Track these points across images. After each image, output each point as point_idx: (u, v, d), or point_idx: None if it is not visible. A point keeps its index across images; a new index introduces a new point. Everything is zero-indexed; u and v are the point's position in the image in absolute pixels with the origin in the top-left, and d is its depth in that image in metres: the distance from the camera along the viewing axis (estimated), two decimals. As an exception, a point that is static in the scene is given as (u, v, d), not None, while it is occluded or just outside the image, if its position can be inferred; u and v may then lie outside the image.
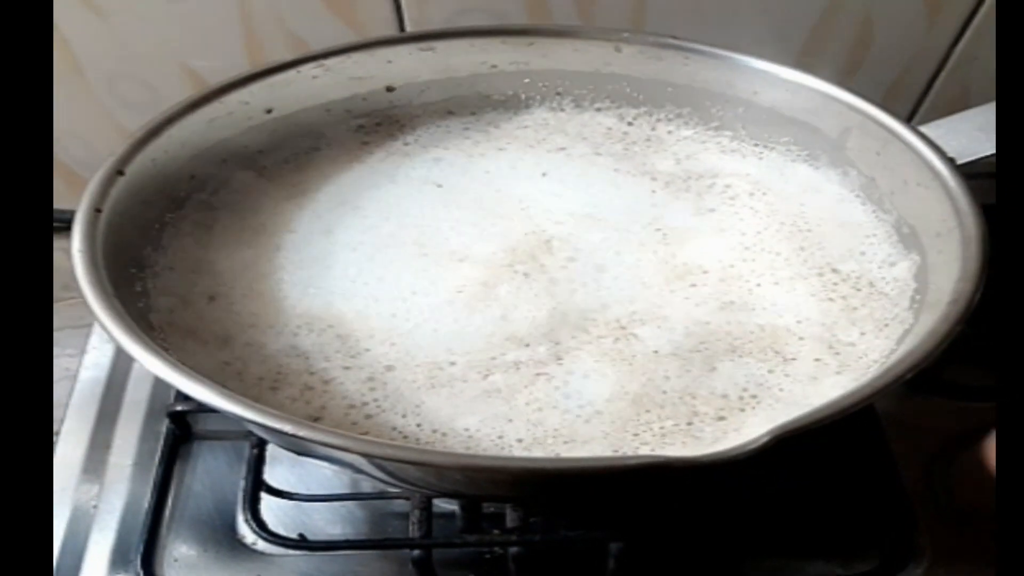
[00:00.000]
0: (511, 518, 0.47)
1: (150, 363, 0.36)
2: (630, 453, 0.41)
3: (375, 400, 0.43)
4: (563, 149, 0.58)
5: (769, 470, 0.49)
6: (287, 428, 0.34)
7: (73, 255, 0.40)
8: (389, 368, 0.45)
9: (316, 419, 0.42)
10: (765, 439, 0.33)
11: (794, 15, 0.65)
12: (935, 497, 0.51)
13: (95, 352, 0.60)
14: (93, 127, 0.69)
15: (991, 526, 0.49)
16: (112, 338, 0.37)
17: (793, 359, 0.45)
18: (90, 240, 0.42)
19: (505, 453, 0.41)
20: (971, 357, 0.56)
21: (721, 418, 0.42)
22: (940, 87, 0.70)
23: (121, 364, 0.59)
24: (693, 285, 0.49)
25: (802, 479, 0.50)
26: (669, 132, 0.59)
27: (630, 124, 0.59)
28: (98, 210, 0.43)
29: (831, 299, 0.48)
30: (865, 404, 0.35)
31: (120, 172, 0.46)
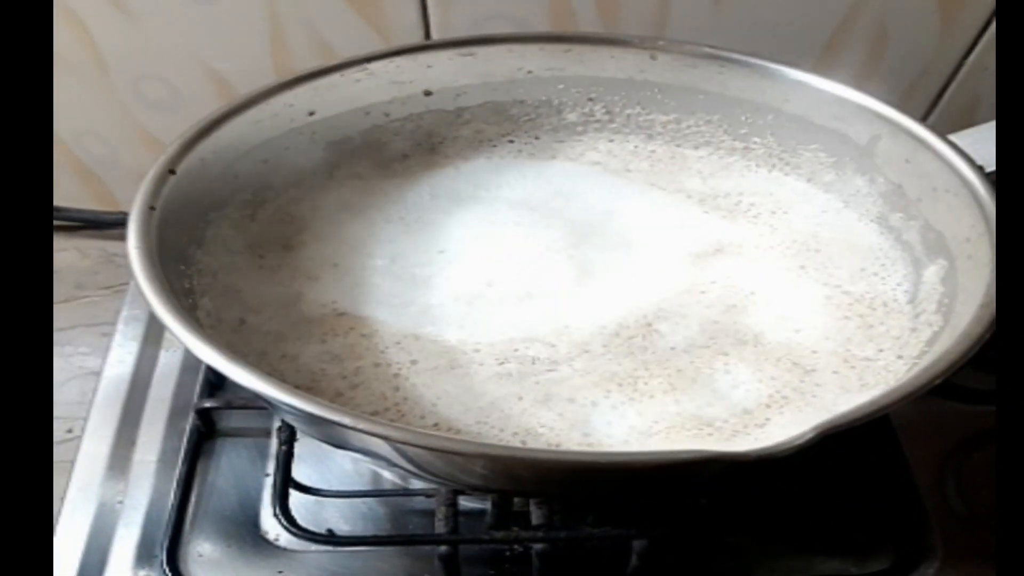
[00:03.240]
0: (536, 515, 0.47)
1: (217, 362, 0.36)
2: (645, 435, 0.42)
3: (395, 404, 0.44)
4: (598, 164, 0.59)
5: (787, 471, 0.50)
6: (347, 421, 0.34)
7: (129, 252, 0.41)
8: (414, 363, 0.46)
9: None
10: (810, 435, 0.33)
11: (811, 25, 0.65)
12: (947, 498, 0.51)
13: (119, 350, 0.59)
14: (114, 126, 0.69)
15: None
16: (175, 336, 0.37)
17: (812, 370, 0.46)
18: (145, 237, 0.42)
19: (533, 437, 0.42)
20: (982, 362, 0.57)
21: (747, 411, 0.44)
22: (951, 97, 0.70)
23: (145, 362, 0.59)
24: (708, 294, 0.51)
25: (818, 480, 0.51)
26: (694, 148, 0.60)
27: (654, 138, 0.60)
28: (152, 207, 0.44)
29: (847, 317, 0.49)
30: (907, 401, 0.35)
31: (172, 171, 0.46)
